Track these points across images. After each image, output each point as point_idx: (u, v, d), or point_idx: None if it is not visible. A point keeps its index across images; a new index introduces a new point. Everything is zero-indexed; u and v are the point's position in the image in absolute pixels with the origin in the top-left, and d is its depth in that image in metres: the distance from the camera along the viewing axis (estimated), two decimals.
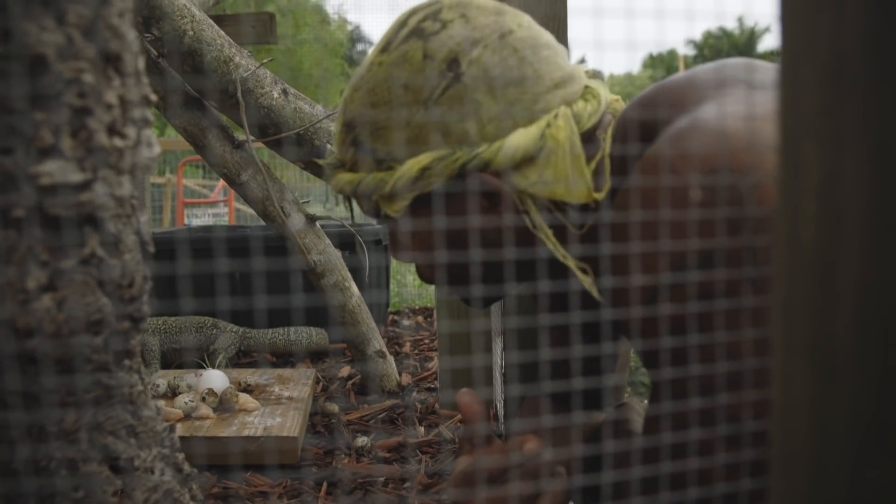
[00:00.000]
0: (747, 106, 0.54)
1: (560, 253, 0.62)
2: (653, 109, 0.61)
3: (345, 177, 0.66)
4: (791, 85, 0.29)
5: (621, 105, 0.67)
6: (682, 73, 0.65)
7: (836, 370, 0.27)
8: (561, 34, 0.91)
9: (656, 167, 0.55)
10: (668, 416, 0.53)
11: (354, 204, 0.70)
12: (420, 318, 2.22)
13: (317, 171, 1.25)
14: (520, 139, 0.59)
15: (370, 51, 0.68)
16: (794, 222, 0.29)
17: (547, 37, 0.65)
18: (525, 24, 0.63)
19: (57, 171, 0.45)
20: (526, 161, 0.60)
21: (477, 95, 0.60)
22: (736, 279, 0.50)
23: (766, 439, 0.48)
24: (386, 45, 0.64)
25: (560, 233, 0.63)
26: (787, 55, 0.29)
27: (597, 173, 0.62)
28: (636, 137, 0.61)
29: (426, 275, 0.71)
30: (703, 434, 0.52)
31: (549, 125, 0.60)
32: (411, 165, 0.60)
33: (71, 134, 0.45)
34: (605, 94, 0.65)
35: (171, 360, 1.51)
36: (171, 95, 1.09)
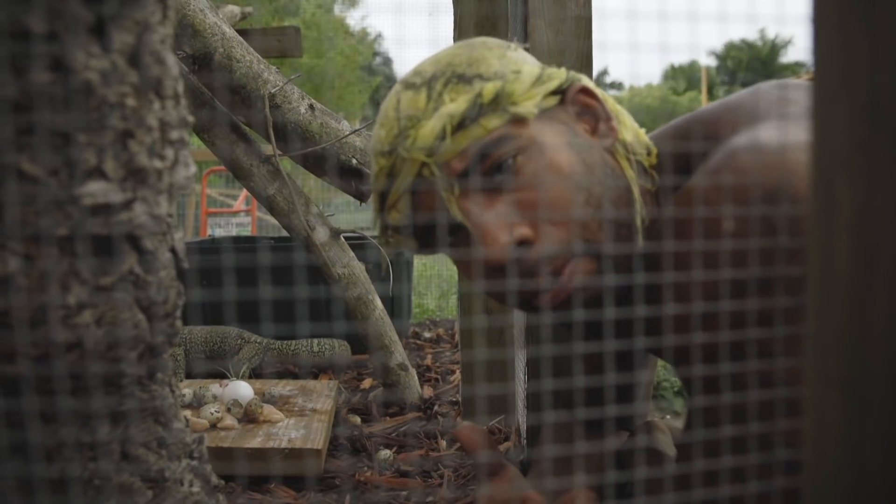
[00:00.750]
0: (784, 134, 0.54)
1: (631, 176, 0.64)
2: (686, 141, 0.62)
3: (438, 113, 0.59)
4: (824, 120, 0.29)
5: None
6: (716, 103, 0.66)
7: (871, 402, 0.28)
8: (586, 64, 0.93)
9: (691, 200, 0.55)
10: (726, 442, 0.53)
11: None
12: (441, 331, 2.23)
13: (341, 184, 1.27)
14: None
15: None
16: (828, 255, 0.29)
17: None
18: None
19: (100, 191, 0.47)
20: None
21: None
22: (796, 307, 0.50)
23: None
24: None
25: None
26: (821, 90, 0.29)
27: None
28: (671, 170, 0.62)
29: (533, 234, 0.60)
30: (761, 459, 0.52)
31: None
32: (529, 67, 0.63)
33: (114, 156, 0.47)
34: None
35: (196, 369, 1.53)
36: (199, 111, 1.11)
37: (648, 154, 0.67)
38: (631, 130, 0.67)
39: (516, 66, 0.62)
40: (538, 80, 0.61)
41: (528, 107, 0.60)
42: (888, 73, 0.26)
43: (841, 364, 0.29)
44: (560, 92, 0.64)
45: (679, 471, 0.55)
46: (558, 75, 0.63)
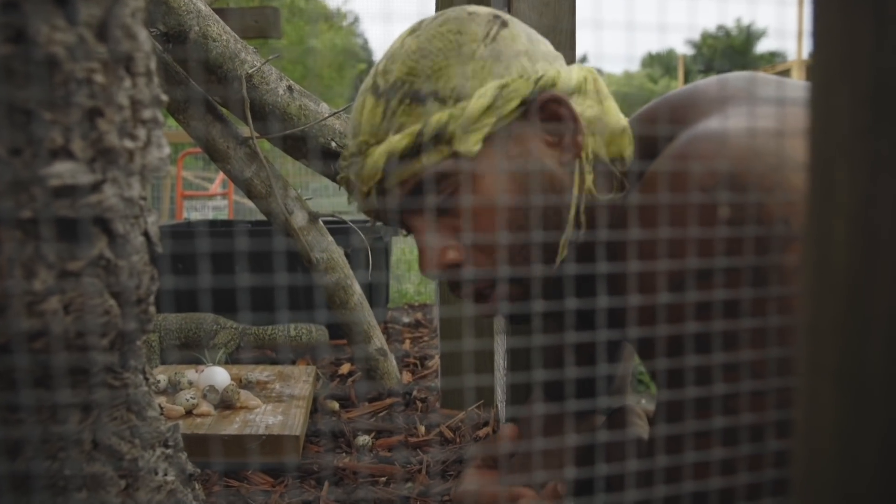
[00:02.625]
0: (750, 121, 0.54)
1: (576, 196, 0.63)
2: (654, 125, 0.62)
3: (382, 147, 0.60)
4: (824, 105, 0.28)
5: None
6: (684, 88, 0.65)
7: (869, 395, 0.27)
8: (569, 47, 0.91)
9: (656, 186, 0.54)
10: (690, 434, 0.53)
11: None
12: (419, 316, 2.22)
13: (320, 167, 1.24)
14: (570, 71, 0.64)
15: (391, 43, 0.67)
16: (825, 243, 0.28)
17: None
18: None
19: (67, 172, 0.45)
20: (579, 91, 0.64)
21: (521, 40, 0.63)
22: (734, 298, 0.50)
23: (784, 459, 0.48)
24: (417, 27, 0.65)
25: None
26: (821, 74, 0.28)
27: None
28: (637, 154, 0.62)
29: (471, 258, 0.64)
30: (726, 453, 0.51)
31: (589, 72, 0.66)
32: (483, 91, 0.60)
33: (81, 135, 0.45)
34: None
35: (171, 355, 1.50)
36: (174, 90, 1.08)
37: (622, 161, 0.65)
38: (608, 132, 0.64)
39: (476, 81, 0.60)
40: (490, 109, 0.59)
41: (468, 144, 0.59)
42: (895, 57, 0.25)
43: (837, 355, 0.28)
44: (524, 103, 0.61)
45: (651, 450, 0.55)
46: (520, 91, 0.60)
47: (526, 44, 0.63)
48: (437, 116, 0.59)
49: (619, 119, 0.65)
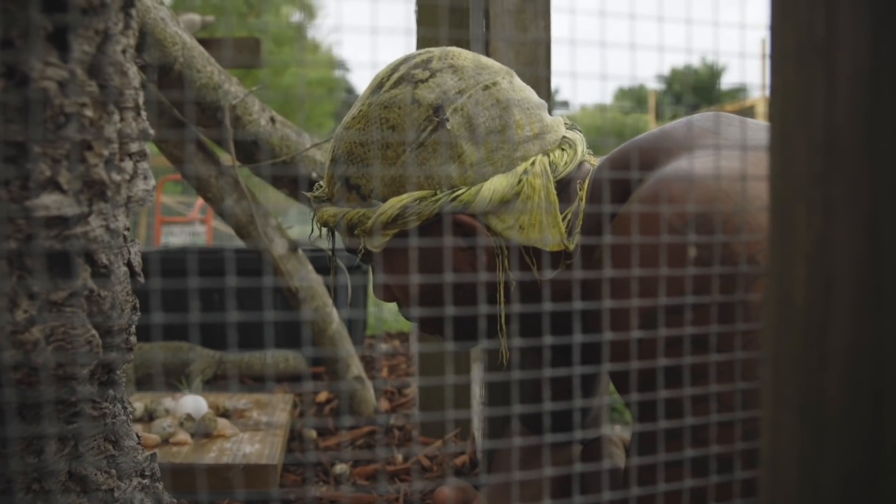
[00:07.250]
0: (716, 163, 0.57)
1: (502, 311, 0.66)
2: (625, 170, 0.64)
3: (329, 210, 0.67)
4: (782, 152, 0.30)
5: (594, 159, 0.71)
6: (652, 131, 0.68)
7: (827, 425, 0.28)
8: (545, 64, 0.94)
9: (628, 227, 0.57)
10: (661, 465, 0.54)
11: (337, 237, 0.71)
12: (397, 343, 2.22)
13: (301, 197, 1.25)
14: (497, 184, 0.63)
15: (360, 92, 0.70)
16: (785, 283, 0.30)
17: (528, 92, 0.69)
18: (507, 79, 0.67)
19: (53, 204, 0.45)
20: (503, 205, 0.63)
21: (460, 141, 0.63)
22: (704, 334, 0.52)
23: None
24: (377, 87, 0.66)
25: (533, 287, 0.66)
26: (778, 124, 0.30)
27: (569, 227, 0.65)
28: (608, 198, 0.64)
29: (406, 313, 0.73)
30: (696, 482, 0.52)
31: (525, 172, 0.63)
32: (392, 203, 0.62)
33: (69, 168, 0.45)
34: (582, 146, 0.69)
35: (147, 383, 1.49)
36: (158, 121, 1.09)
37: (568, 223, 0.64)
38: (539, 217, 0.63)
39: (395, 185, 0.63)
40: (396, 219, 0.62)
41: (373, 244, 0.64)
42: (845, 110, 0.27)
43: (797, 389, 0.30)
44: (439, 214, 0.62)
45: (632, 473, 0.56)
46: (436, 204, 0.61)
47: (466, 142, 0.63)
48: (353, 213, 0.65)
49: (557, 228, 0.64)
